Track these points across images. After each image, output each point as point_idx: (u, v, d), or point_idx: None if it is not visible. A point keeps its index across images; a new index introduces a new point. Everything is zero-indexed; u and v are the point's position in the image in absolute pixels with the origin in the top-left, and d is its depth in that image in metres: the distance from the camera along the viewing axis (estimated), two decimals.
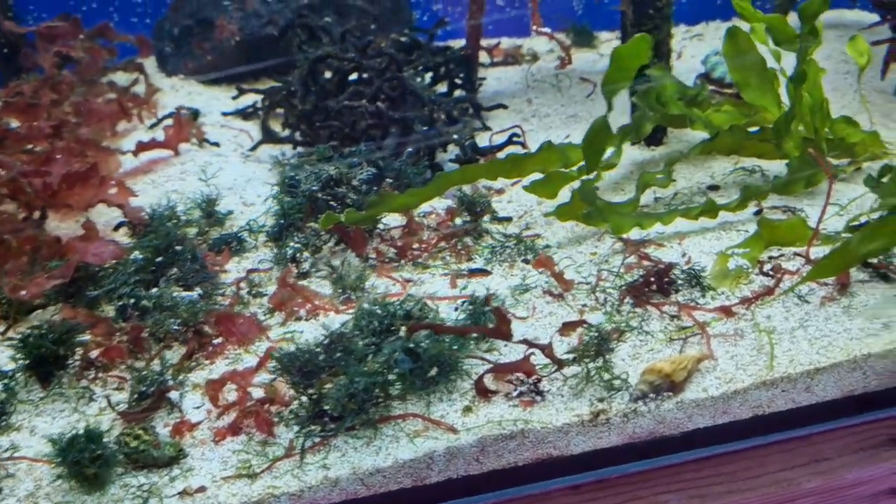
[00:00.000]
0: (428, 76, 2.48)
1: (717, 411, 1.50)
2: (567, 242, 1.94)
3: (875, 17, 2.70)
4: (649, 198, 2.10)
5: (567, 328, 1.47)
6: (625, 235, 1.88)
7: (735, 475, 1.54)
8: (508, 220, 2.05)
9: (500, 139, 2.38)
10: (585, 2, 2.81)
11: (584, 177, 1.91)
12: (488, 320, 1.51)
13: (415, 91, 2.21)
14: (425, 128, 2.18)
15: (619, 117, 2.23)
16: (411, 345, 1.36)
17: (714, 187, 2.15)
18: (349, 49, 2.34)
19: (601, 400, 1.44)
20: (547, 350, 1.43)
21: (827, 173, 1.72)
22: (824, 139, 2.03)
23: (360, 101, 2.20)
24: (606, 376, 1.46)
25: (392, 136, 2.19)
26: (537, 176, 2.05)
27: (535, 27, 2.42)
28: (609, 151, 1.99)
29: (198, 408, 1.49)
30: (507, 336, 1.37)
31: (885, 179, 1.74)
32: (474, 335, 1.52)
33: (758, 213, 1.98)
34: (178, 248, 1.68)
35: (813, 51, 1.84)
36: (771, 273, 1.69)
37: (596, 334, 1.47)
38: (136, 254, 1.70)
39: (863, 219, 1.72)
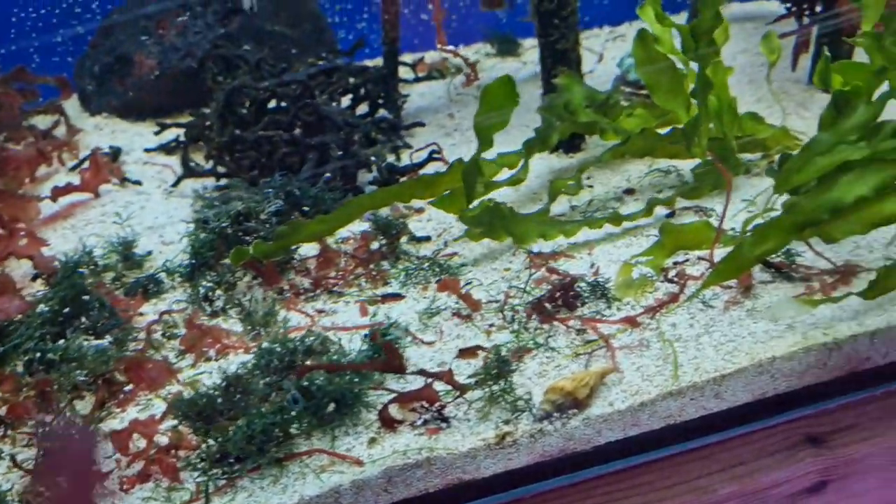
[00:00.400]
0: (347, 98, 2.49)
1: (627, 424, 1.51)
2: (483, 259, 1.95)
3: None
4: (565, 206, 2.12)
5: (465, 354, 1.48)
6: (535, 248, 1.89)
7: (653, 485, 1.55)
8: (427, 239, 2.05)
9: (421, 156, 2.38)
10: (508, 10, 2.82)
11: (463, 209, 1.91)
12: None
13: (328, 116, 2.21)
14: (341, 152, 2.18)
15: None
16: (305, 383, 1.36)
17: (630, 191, 2.17)
18: (264, 77, 2.34)
19: (507, 422, 1.44)
20: (446, 377, 1.44)
21: (726, 178, 1.73)
22: (733, 138, 2.05)
23: (275, 130, 2.20)
24: (511, 398, 1.47)
25: (309, 163, 2.19)
26: None
27: (439, 45, 2.43)
28: (521, 163, 2.00)
29: (108, 457, 1.49)
30: (399, 370, 1.37)
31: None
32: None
33: (670, 215, 2.00)
34: (86, 297, 1.68)
35: (710, 65, 1.85)
36: (675, 279, 1.71)
37: (496, 357, 1.48)
38: (43, 306, 1.69)
39: (758, 220, 1.73)
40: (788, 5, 2.50)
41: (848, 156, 1.50)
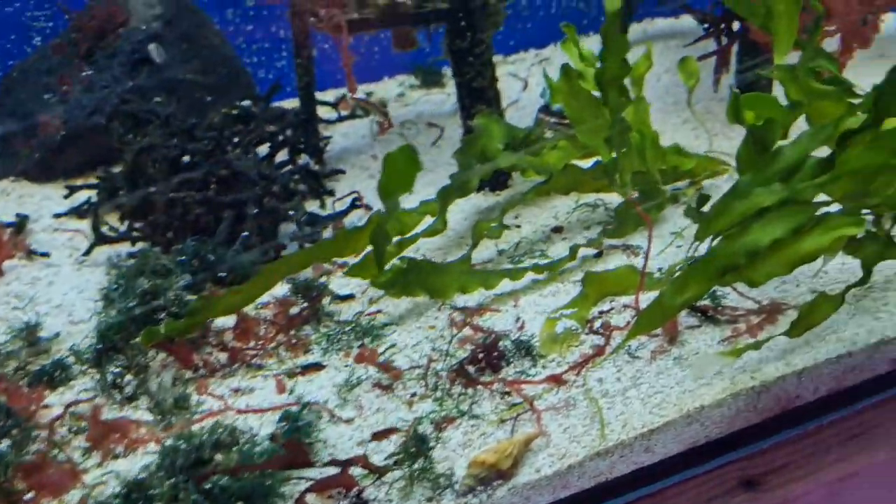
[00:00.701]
0: (265, 147, 2.41)
1: (556, 488, 1.45)
2: (408, 315, 1.88)
3: None
4: (492, 251, 2.06)
5: (379, 436, 1.41)
6: (460, 302, 1.83)
7: None
8: (351, 297, 1.98)
9: (345, 203, 2.31)
10: (433, 43, 2.74)
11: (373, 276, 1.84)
12: (304, 435, 1.44)
13: (242, 171, 2.12)
14: (256, 209, 2.09)
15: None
16: (209, 485, 1.29)
17: (558, 229, 2.11)
18: (175, 133, 2.24)
19: (429, 500, 1.38)
20: (361, 462, 1.37)
21: (646, 221, 1.68)
22: (658, 171, 2.00)
23: (187, 190, 2.10)
24: (432, 475, 1.40)
25: (225, 222, 2.10)
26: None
27: (350, 94, 2.35)
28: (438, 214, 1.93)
29: None
30: (305, 465, 1.30)
31: (704, 209, 1.72)
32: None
33: (598, 255, 1.95)
34: None
35: (624, 109, 1.80)
36: (601, 331, 1.65)
37: (414, 435, 1.41)
38: None
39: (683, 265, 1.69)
40: (707, 26, 2.47)
41: (763, 200, 1.46)
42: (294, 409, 1.50)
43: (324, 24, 2.14)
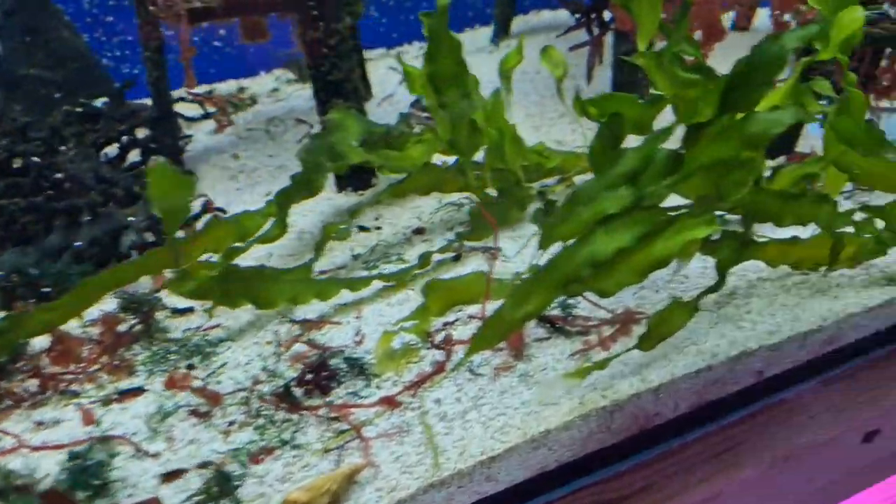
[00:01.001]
0: (113, 147, 2.21)
1: None
2: (249, 328, 1.72)
3: None
4: (346, 255, 1.90)
5: (170, 478, 1.25)
6: (301, 315, 1.67)
7: None
8: (190, 311, 1.81)
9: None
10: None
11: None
12: (92, 476, 1.27)
13: (74, 175, 1.92)
14: (89, 216, 1.90)
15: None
16: None
17: (420, 230, 1.97)
18: (6, 133, 2.03)
19: None
20: None
21: (493, 227, 1.54)
22: (519, 168, 1.87)
23: (12, 197, 1.90)
24: None
25: (56, 232, 1.90)
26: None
27: (188, 90, 2.17)
28: (279, 217, 1.76)
29: None
30: None
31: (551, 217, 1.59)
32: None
33: (456, 258, 1.81)
34: None
35: (470, 115, 1.65)
36: (443, 345, 1.51)
37: (216, 473, 1.25)
38: None
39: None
40: (578, 16, 2.35)
41: (608, 207, 1.33)
42: (83, 447, 1.33)
43: (163, 14, 1.96)
